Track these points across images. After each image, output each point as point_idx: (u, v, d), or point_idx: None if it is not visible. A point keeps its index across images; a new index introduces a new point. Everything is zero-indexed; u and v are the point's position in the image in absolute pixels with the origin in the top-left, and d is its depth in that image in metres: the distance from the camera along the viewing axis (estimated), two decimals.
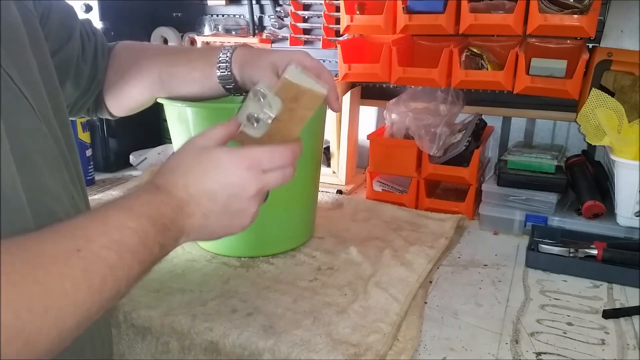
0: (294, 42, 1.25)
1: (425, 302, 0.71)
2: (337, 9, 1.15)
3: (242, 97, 0.73)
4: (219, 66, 0.67)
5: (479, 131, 1.03)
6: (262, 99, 0.54)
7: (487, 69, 1.00)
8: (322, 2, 1.18)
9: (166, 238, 0.46)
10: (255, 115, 0.54)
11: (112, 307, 0.44)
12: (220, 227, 0.52)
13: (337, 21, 1.15)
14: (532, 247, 0.82)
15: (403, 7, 0.99)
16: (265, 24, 1.31)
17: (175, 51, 0.75)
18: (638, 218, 0.83)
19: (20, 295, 0.34)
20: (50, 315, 0.35)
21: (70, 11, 0.65)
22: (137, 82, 0.71)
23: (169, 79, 0.70)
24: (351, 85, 1.16)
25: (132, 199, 0.46)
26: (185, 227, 0.49)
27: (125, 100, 0.73)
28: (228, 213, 0.51)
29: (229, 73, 0.67)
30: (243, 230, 0.53)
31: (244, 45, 0.70)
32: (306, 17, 1.26)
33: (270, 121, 0.55)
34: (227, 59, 0.67)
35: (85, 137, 1.14)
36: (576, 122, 0.94)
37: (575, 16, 0.88)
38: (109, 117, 0.77)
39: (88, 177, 1.16)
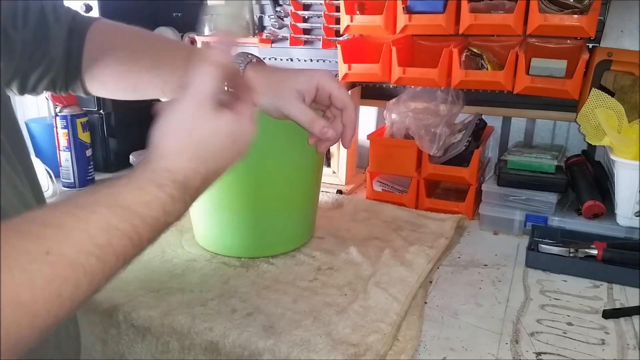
0: (294, 42, 1.25)
1: (425, 302, 0.71)
2: (337, 9, 1.15)
3: None
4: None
5: (479, 131, 1.03)
6: None
7: (487, 69, 1.00)
8: (322, 2, 1.18)
9: (163, 232, 0.44)
10: None
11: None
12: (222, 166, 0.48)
13: (337, 21, 1.15)
14: (532, 247, 0.82)
15: (403, 7, 0.99)
16: (265, 24, 1.31)
17: (176, 44, 0.69)
18: (638, 218, 0.83)
19: None
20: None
21: None
22: (128, 67, 0.65)
23: (167, 64, 0.64)
24: (351, 85, 1.16)
25: (134, 192, 0.41)
26: (187, 200, 0.45)
27: (108, 82, 0.67)
28: (228, 151, 0.48)
29: None
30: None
31: (253, 60, 0.64)
32: (306, 17, 1.26)
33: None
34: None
35: (85, 137, 1.14)
36: (576, 122, 0.94)
37: (575, 16, 0.88)
38: (83, 95, 0.70)
39: (88, 177, 1.16)
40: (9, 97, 0.53)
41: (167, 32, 1.36)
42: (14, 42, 0.60)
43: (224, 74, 0.47)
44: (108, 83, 0.67)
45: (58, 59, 0.64)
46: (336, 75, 1.10)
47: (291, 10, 1.23)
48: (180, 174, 0.45)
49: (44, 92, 0.67)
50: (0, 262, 0.32)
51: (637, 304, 0.70)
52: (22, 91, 0.64)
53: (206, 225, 0.83)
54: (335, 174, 1.17)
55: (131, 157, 1.25)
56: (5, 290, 0.31)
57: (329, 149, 1.17)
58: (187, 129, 0.47)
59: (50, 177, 1.07)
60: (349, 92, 1.13)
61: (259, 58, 0.66)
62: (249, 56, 0.65)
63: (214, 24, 0.51)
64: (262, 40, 1.29)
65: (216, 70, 0.46)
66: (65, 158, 1.12)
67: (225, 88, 0.49)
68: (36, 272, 0.33)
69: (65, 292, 0.34)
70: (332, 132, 0.61)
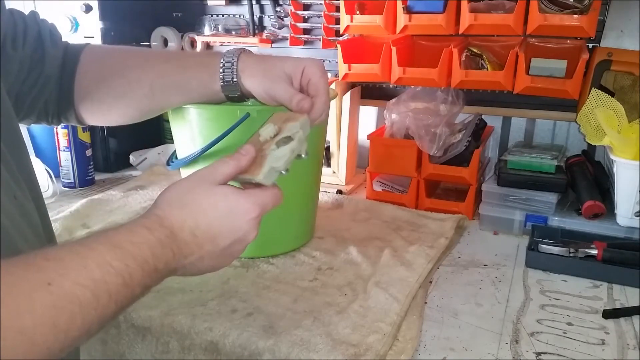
0: (294, 42, 1.25)
1: (425, 302, 0.71)
2: (337, 9, 1.15)
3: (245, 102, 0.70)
4: (224, 74, 0.63)
5: (479, 131, 1.03)
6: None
7: (487, 69, 1.00)
8: (322, 2, 1.18)
9: (153, 280, 0.45)
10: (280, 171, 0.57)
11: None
12: (208, 267, 0.52)
13: (337, 21, 1.15)
14: (532, 247, 0.82)
15: (403, 7, 0.99)
16: (265, 24, 1.31)
17: (166, 58, 0.70)
18: (638, 218, 0.83)
19: None
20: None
21: None
22: (125, 96, 0.66)
23: (162, 90, 0.66)
24: (351, 85, 1.16)
25: (127, 233, 0.44)
26: (178, 268, 0.49)
27: (105, 112, 0.69)
28: (222, 255, 0.52)
29: (235, 81, 0.63)
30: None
31: (246, 50, 0.66)
32: (306, 17, 1.26)
33: (284, 173, 0.57)
34: (232, 66, 0.63)
35: (85, 137, 1.14)
36: (576, 122, 0.94)
37: (575, 16, 0.88)
38: (77, 125, 0.71)
39: (88, 177, 1.16)
40: (10, 105, 0.53)
41: (167, 32, 1.36)
42: (11, 62, 0.60)
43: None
44: (110, 115, 0.70)
45: (54, 78, 0.64)
46: (336, 75, 1.10)
47: (291, 10, 1.23)
48: (168, 220, 0.48)
49: (37, 120, 0.67)
50: (6, 290, 0.33)
51: (637, 304, 0.70)
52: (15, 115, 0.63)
53: None
54: (335, 174, 1.17)
55: (131, 157, 1.25)
56: (9, 317, 0.33)
57: (329, 149, 1.17)
58: (185, 187, 0.51)
59: (50, 177, 1.07)
60: (349, 91, 1.13)
61: (249, 50, 0.67)
62: (239, 49, 0.66)
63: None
64: (262, 40, 1.29)
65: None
66: (65, 158, 1.13)
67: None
68: (37, 301, 0.35)
69: (61, 322, 0.36)
70: (307, 103, 0.61)
